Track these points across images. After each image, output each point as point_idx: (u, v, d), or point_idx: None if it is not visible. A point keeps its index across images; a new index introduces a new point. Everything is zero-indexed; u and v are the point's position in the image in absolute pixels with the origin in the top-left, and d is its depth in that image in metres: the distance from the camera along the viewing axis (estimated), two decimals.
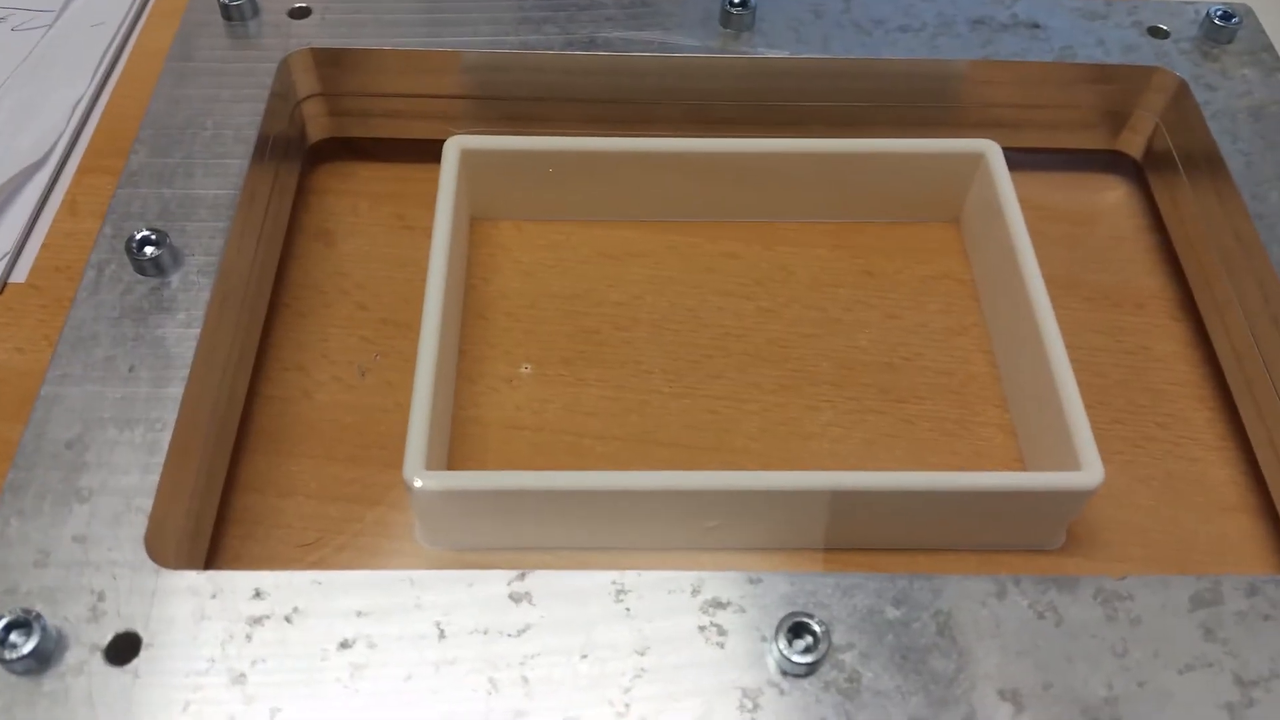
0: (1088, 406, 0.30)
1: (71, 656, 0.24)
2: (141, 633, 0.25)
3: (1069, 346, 0.31)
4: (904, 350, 0.35)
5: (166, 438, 0.28)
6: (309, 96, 0.38)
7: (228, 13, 0.38)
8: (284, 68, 0.37)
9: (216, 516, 0.31)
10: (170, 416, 0.28)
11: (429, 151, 0.36)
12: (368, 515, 0.31)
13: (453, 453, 0.33)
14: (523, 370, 0.35)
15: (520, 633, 0.25)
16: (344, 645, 0.24)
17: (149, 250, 0.31)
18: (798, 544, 0.31)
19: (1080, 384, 0.31)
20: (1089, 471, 0.29)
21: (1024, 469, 0.33)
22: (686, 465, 0.33)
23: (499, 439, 0.33)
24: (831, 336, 0.36)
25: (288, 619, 0.25)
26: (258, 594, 0.25)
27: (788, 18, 0.38)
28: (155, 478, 0.27)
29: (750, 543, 0.31)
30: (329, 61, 0.37)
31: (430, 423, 0.29)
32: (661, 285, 0.37)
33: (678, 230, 0.39)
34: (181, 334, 0.30)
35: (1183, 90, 0.37)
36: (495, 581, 0.25)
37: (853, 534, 0.30)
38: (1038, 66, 0.37)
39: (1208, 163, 0.36)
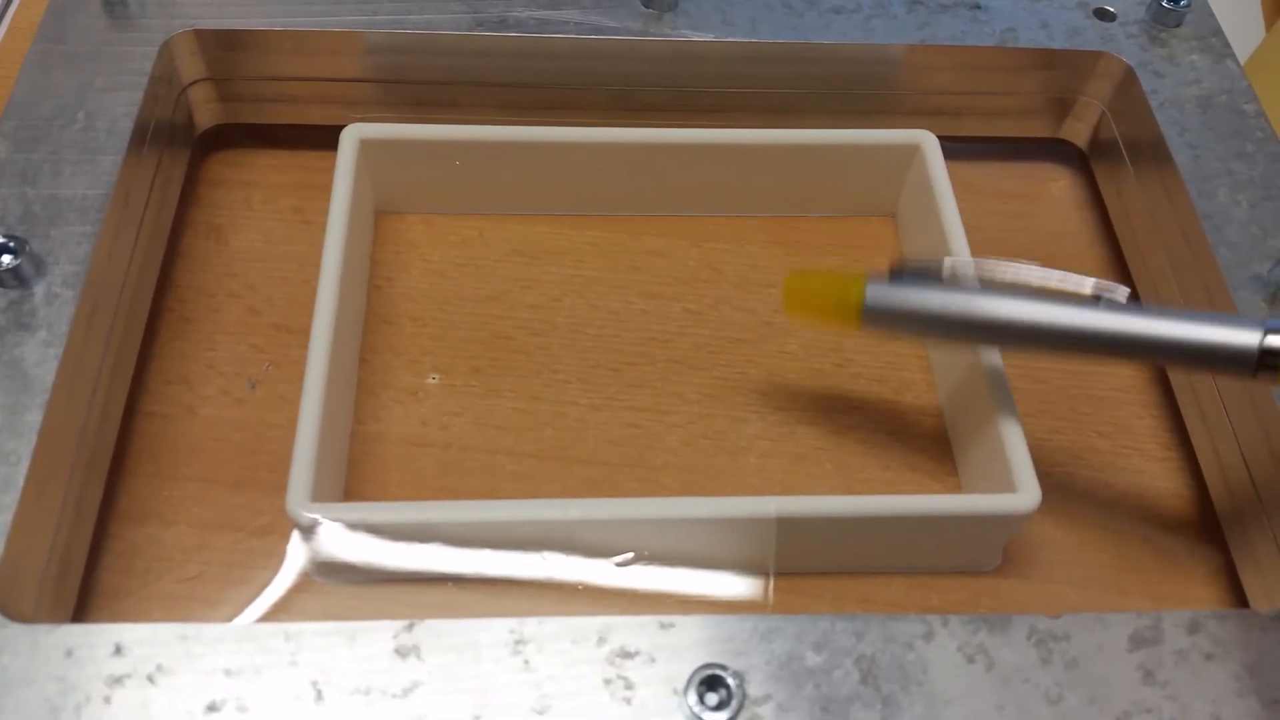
0: (1026, 415, 0.29)
1: None
2: None
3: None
4: (836, 356, 0.33)
5: (22, 471, 0.25)
6: (195, 81, 0.35)
7: None
8: (165, 51, 0.33)
9: (91, 549, 0.28)
10: (26, 448, 0.25)
11: (334, 139, 0.33)
12: (255, 546, 0.29)
13: (350, 474, 0.30)
14: (429, 380, 0.32)
15: (406, 692, 0.23)
16: (211, 708, 0.22)
17: (6, 259, 0.28)
18: (720, 568, 0.29)
19: (1019, 390, 0.29)
20: (1025, 494, 0.27)
21: (959, 485, 0.31)
22: (604, 484, 0.31)
23: (401, 457, 0.31)
24: (761, 341, 0.34)
25: (150, 679, 0.23)
26: (118, 650, 0.23)
27: None
28: (7, 518, 0.25)
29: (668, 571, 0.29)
30: (217, 43, 0.34)
31: (319, 445, 0.27)
32: (582, 286, 0.35)
33: (600, 225, 0.36)
34: (42, 353, 0.27)
35: (1129, 77, 0.35)
36: (380, 634, 0.23)
37: (778, 559, 0.28)
38: (978, 51, 0.35)
39: (1154, 155, 0.34)
